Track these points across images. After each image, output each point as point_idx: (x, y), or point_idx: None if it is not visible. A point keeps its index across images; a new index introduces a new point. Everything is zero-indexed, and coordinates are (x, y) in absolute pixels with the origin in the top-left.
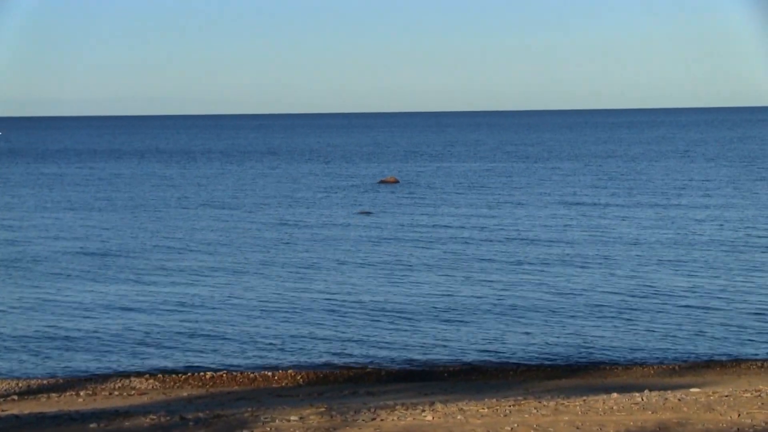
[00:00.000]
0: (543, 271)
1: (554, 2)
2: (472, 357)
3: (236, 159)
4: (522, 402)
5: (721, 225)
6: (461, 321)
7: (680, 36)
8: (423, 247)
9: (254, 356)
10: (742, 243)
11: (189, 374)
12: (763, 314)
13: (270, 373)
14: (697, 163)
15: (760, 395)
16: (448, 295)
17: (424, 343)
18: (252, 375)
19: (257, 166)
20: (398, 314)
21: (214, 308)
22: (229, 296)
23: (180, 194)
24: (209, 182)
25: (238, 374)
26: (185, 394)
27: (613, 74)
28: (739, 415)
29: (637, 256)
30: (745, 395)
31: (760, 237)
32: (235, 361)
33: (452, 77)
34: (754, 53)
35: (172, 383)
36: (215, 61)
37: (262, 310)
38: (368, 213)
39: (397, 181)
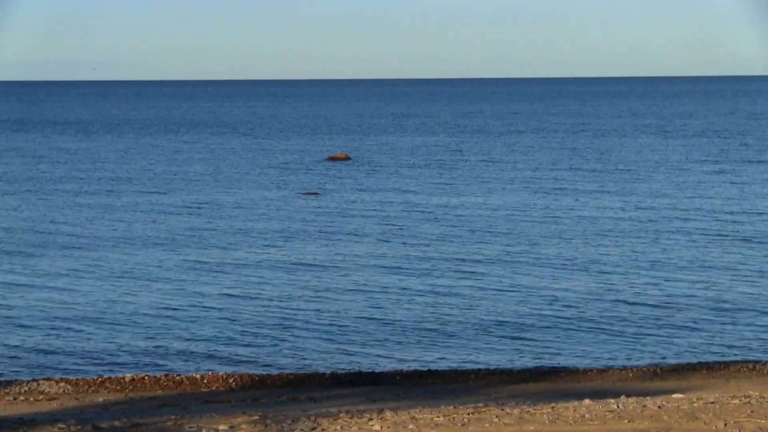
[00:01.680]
0: (506, 262)
1: None
2: (428, 358)
3: (155, 131)
4: (483, 409)
5: (702, 212)
6: (416, 318)
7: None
8: (378, 234)
9: (181, 357)
10: (727, 231)
11: (106, 377)
12: (755, 311)
13: (198, 376)
14: (674, 140)
15: (749, 402)
16: (403, 288)
17: (375, 343)
18: (178, 378)
19: (178, 140)
20: (345, 311)
21: (134, 305)
22: (152, 291)
23: (87, 173)
24: (122, 157)
25: (162, 377)
26: (101, 399)
27: (586, 39)
28: (725, 424)
29: (612, 246)
30: (733, 402)
31: (744, 225)
32: (159, 362)
33: (405, 41)
34: (738, 18)
35: (86, 387)
36: (134, 25)
37: (190, 306)
38: (315, 194)
39: (348, 158)
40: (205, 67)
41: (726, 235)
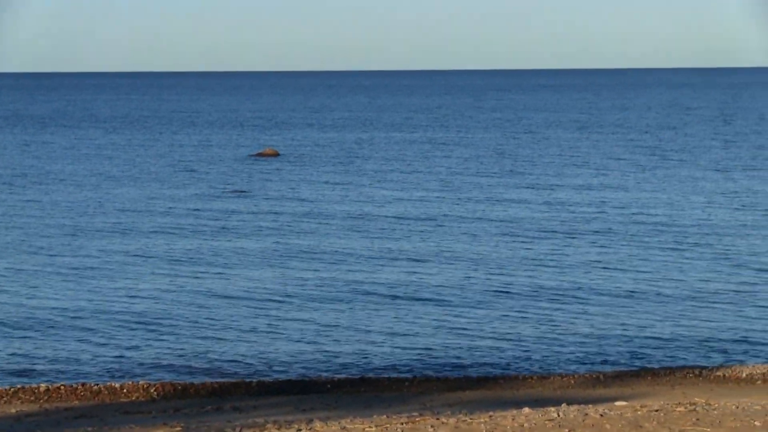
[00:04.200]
0: (442, 263)
1: None
2: (360, 365)
3: (58, 126)
4: (417, 419)
5: (643, 212)
6: (348, 322)
7: None
8: (308, 233)
9: (99, 365)
10: (669, 226)
11: (19, 387)
12: (700, 317)
13: (117, 386)
14: (581, 133)
15: (695, 409)
16: (335, 292)
17: (304, 349)
18: (96, 387)
19: (88, 135)
20: (273, 314)
21: (49, 310)
22: (65, 295)
23: None
24: (22, 154)
25: (79, 387)
26: (14, 410)
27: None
28: None
29: (551, 247)
30: (678, 409)
31: (688, 229)
32: (76, 371)
33: (324, 32)
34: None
35: None
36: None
37: (109, 312)
38: (242, 192)
39: (276, 154)
40: (112, 59)
41: (661, 238)
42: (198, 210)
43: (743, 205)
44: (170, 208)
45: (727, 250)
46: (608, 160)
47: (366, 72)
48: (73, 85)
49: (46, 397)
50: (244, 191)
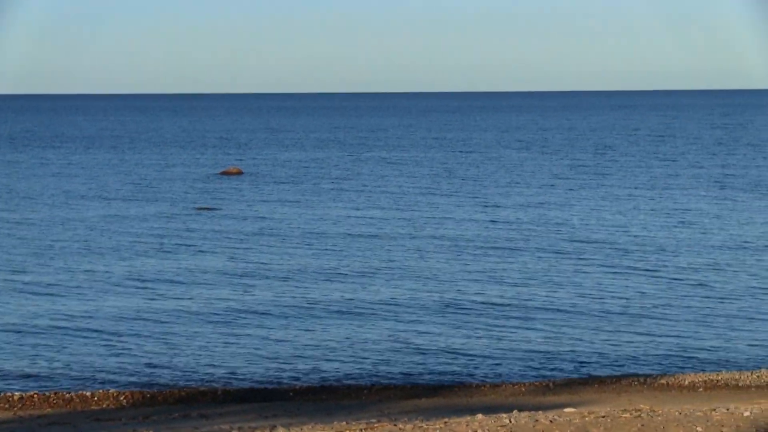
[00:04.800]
0: (401, 274)
1: None
2: (321, 374)
3: (24, 145)
4: (375, 425)
5: (586, 227)
6: (309, 333)
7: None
8: (272, 247)
9: (71, 374)
10: (610, 243)
11: None
12: (645, 326)
13: (89, 393)
14: (521, 153)
15: (640, 415)
16: (296, 302)
17: (268, 358)
18: (68, 395)
19: (54, 154)
20: (238, 325)
21: (20, 322)
22: (39, 306)
23: None
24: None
25: (52, 395)
26: None
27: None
28: None
29: (502, 259)
30: (624, 416)
31: (630, 246)
32: (49, 381)
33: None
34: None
35: None
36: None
37: (79, 322)
38: (209, 209)
39: (241, 172)
40: (83, 83)
41: (602, 254)
42: (164, 227)
43: (680, 222)
44: (135, 225)
45: (663, 265)
46: (551, 178)
47: (323, 94)
48: (47, 108)
49: (20, 405)
50: (212, 208)
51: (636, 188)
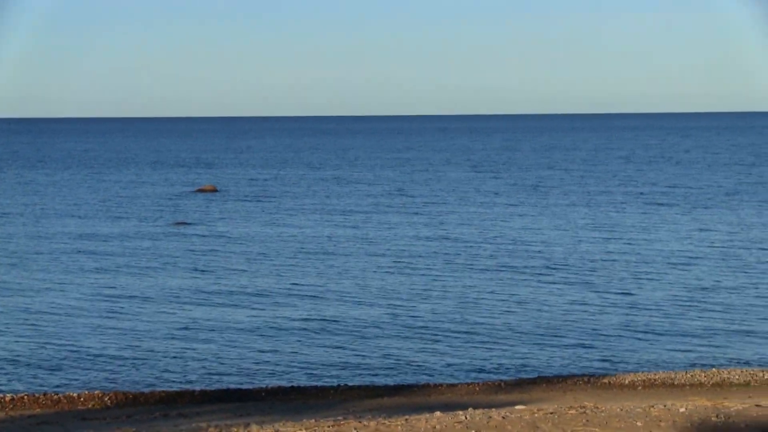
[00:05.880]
0: (360, 286)
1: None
2: (290, 376)
3: (7, 165)
4: (342, 422)
5: (527, 240)
6: (280, 339)
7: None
8: (246, 260)
9: (59, 376)
10: (560, 254)
11: None
12: (588, 328)
13: (75, 395)
14: (470, 173)
15: (585, 412)
16: (266, 312)
17: (242, 362)
18: (56, 397)
19: (34, 174)
20: (214, 331)
21: (10, 328)
22: (26, 315)
23: None
24: None
25: (41, 396)
26: None
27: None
28: None
29: (463, 269)
30: (570, 412)
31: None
32: (38, 382)
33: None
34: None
35: None
36: None
37: (65, 328)
38: (185, 224)
39: (215, 190)
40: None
41: (541, 262)
42: (144, 241)
43: (611, 236)
44: (114, 241)
45: (597, 275)
46: (494, 196)
47: (287, 117)
48: (39, 130)
49: (11, 406)
50: (189, 222)
51: (571, 203)
